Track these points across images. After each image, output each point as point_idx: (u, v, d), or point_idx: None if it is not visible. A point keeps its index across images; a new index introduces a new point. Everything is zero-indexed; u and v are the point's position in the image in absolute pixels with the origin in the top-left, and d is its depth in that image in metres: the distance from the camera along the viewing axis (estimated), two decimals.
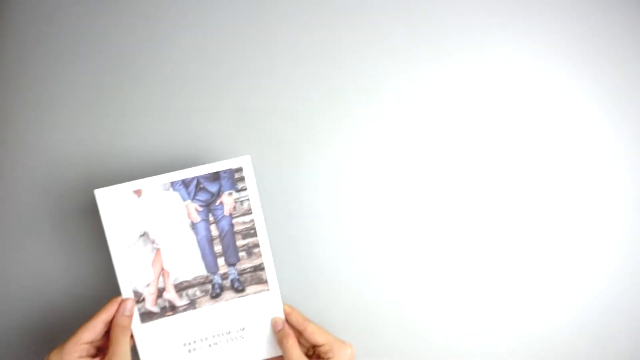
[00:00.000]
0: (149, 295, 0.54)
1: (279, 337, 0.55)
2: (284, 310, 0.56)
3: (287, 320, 0.56)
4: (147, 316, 0.54)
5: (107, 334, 0.53)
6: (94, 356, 0.51)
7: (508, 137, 0.61)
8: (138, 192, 0.54)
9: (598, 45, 0.60)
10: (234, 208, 0.55)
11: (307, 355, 0.54)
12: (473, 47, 0.60)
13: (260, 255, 0.56)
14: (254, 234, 0.55)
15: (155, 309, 0.54)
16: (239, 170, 0.55)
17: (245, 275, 0.56)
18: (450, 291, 0.61)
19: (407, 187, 0.61)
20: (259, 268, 0.56)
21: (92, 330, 0.51)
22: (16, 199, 0.59)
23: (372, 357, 0.61)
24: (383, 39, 0.61)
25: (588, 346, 0.60)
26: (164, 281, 0.55)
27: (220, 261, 0.55)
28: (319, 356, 0.55)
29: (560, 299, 0.61)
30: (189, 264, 0.55)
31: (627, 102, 0.60)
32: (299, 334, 0.56)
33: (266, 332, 0.56)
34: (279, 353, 0.56)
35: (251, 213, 0.55)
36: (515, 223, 0.61)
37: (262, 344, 0.56)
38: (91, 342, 0.51)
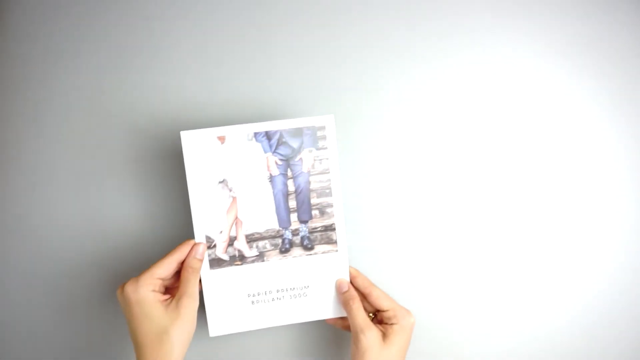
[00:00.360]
0: (221, 242, 0.54)
1: (343, 298, 0.55)
2: (350, 273, 0.56)
3: (352, 283, 0.56)
4: (216, 263, 0.55)
5: (177, 275, 0.53)
6: (163, 293, 0.52)
7: (508, 137, 0.61)
8: (222, 139, 0.54)
9: (598, 45, 0.60)
10: (313, 166, 0.55)
11: None
12: (473, 48, 0.60)
13: (332, 216, 0.56)
14: (329, 194, 0.55)
15: (225, 257, 0.55)
16: (322, 128, 0.55)
17: (315, 234, 0.56)
18: (450, 291, 0.61)
19: (414, 188, 0.62)
20: (330, 228, 0.56)
21: (166, 267, 0.51)
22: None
23: None
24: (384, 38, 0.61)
25: (588, 346, 0.60)
26: (236, 230, 0.55)
27: (293, 217, 0.56)
28: (381, 321, 0.55)
29: (561, 299, 0.61)
30: (262, 216, 0.55)
31: (627, 102, 0.60)
32: (363, 298, 0.56)
33: (330, 292, 0.56)
34: (340, 314, 0.57)
35: (329, 172, 0.55)
36: (516, 223, 0.61)
37: (325, 304, 0.56)
38: (163, 279, 0.51)
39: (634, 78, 0.60)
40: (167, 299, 0.51)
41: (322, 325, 0.61)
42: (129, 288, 0.49)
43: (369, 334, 0.52)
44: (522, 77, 0.61)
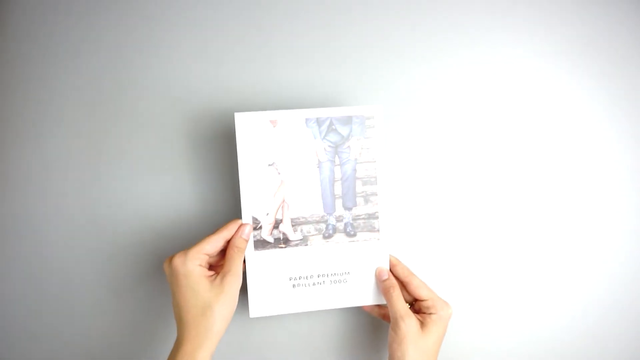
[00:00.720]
0: (266, 224, 0.55)
1: (383, 286, 0.56)
2: (390, 262, 0.57)
3: (392, 272, 0.57)
4: (260, 244, 0.55)
5: (222, 253, 0.54)
6: (208, 269, 0.53)
7: (508, 137, 0.61)
8: (274, 123, 0.55)
9: (598, 45, 0.61)
10: (360, 154, 0.56)
11: None
12: (473, 47, 0.61)
13: (376, 204, 0.57)
14: (374, 182, 0.56)
15: (270, 239, 0.56)
16: (371, 118, 0.56)
17: (358, 221, 0.57)
18: (451, 291, 0.62)
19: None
20: (373, 216, 0.57)
21: (213, 244, 0.52)
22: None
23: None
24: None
25: (588, 346, 0.60)
26: (282, 213, 0.56)
27: (338, 203, 0.56)
28: (418, 311, 0.56)
29: (561, 300, 0.61)
30: (308, 200, 0.56)
31: (627, 102, 0.60)
32: (401, 287, 0.57)
33: (370, 279, 0.57)
34: (378, 302, 0.57)
35: (375, 161, 0.56)
36: (516, 223, 0.61)
37: (364, 291, 0.57)
38: (209, 255, 0.52)
39: (634, 78, 0.61)
40: (212, 275, 0.52)
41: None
42: (178, 260, 0.50)
43: (408, 321, 0.53)
44: (522, 77, 0.61)
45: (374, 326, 0.61)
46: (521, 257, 0.62)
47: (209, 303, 0.50)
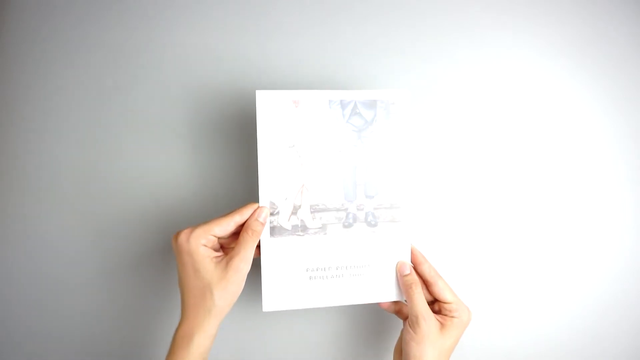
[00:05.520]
0: (284, 209, 0.52)
1: (404, 282, 0.53)
2: (416, 259, 0.54)
3: (416, 270, 0.54)
4: (277, 231, 0.52)
5: (234, 236, 0.51)
6: (217, 250, 0.50)
7: (508, 136, 0.60)
8: (296, 103, 0.52)
9: (599, 45, 0.60)
10: (384, 140, 0.54)
11: None
12: (474, 47, 0.60)
13: (400, 194, 0.54)
14: (398, 171, 0.54)
15: (287, 226, 0.52)
16: (396, 102, 0.54)
17: (380, 211, 0.54)
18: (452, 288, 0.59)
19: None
20: (396, 206, 0.54)
21: (223, 227, 0.49)
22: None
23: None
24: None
25: (588, 346, 0.60)
26: (301, 199, 0.53)
27: (359, 191, 0.54)
28: (439, 311, 0.53)
29: (561, 300, 0.60)
30: (328, 187, 0.53)
31: (627, 102, 0.60)
32: (423, 285, 0.54)
33: (390, 274, 0.54)
34: (398, 298, 0.54)
35: (400, 149, 0.54)
36: (516, 223, 0.60)
37: (384, 286, 0.54)
38: (218, 237, 0.49)
39: (634, 78, 0.60)
40: (218, 257, 0.49)
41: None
42: (182, 237, 0.48)
43: (430, 321, 0.50)
44: (523, 77, 0.60)
45: (378, 321, 0.58)
46: (521, 257, 0.60)
47: (209, 285, 0.47)
